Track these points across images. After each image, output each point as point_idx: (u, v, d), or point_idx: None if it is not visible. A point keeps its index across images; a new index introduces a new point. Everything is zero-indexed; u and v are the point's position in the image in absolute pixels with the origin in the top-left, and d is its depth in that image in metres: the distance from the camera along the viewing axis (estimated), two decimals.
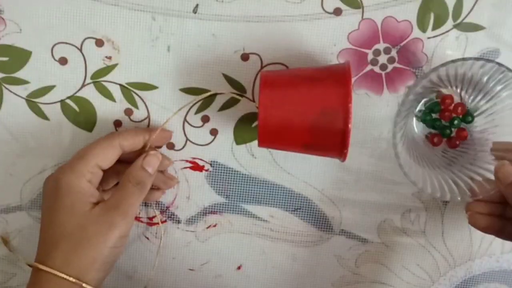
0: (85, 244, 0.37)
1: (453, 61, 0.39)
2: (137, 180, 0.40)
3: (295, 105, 0.38)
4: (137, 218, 0.49)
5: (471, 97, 0.45)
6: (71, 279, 0.36)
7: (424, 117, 0.46)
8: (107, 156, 0.40)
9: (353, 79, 0.46)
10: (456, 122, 0.45)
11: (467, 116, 0.45)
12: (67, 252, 0.37)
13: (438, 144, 0.46)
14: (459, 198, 0.42)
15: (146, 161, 0.41)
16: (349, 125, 0.36)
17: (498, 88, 0.42)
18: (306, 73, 0.39)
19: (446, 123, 0.46)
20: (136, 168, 0.41)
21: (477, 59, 0.40)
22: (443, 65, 0.39)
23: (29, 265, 0.38)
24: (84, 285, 0.37)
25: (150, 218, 0.49)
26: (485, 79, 0.42)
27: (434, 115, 0.46)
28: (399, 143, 0.41)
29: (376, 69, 0.45)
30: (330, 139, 0.38)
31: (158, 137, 0.43)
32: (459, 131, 0.46)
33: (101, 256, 0.37)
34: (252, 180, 0.48)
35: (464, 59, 0.39)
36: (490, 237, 0.49)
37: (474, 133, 0.46)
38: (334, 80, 0.38)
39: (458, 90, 0.45)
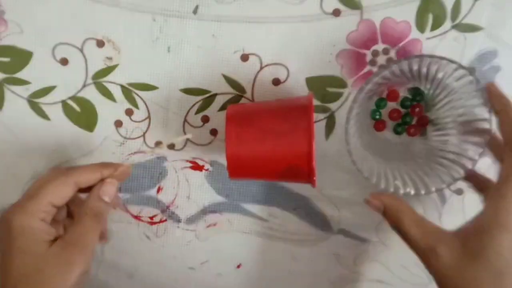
0: (41, 285, 0.34)
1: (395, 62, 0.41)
2: (95, 212, 0.38)
3: (261, 162, 0.40)
4: (138, 217, 0.49)
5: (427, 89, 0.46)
6: None
7: (374, 115, 0.46)
8: (61, 195, 0.38)
9: (352, 79, 0.46)
10: (408, 103, 0.46)
11: (415, 96, 0.46)
12: None
13: (382, 129, 0.47)
14: (406, 190, 0.42)
15: (103, 191, 0.39)
16: (314, 179, 0.39)
17: (440, 75, 0.43)
18: (271, 126, 0.40)
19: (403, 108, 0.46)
20: (93, 199, 0.39)
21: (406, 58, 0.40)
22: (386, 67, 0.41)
23: None
24: None
25: (151, 217, 0.49)
26: (424, 70, 0.43)
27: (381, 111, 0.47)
28: (351, 140, 0.42)
29: (375, 69, 0.45)
30: (299, 180, 0.41)
31: (118, 173, 0.41)
32: (420, 118, 0.46)
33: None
34: (252, 180, 0.48)
35: (399, 60, 0.41)
36: None
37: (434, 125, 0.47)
38: (297, 138, 0.38)
39: (418, 85, 0.46)
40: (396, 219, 0.37)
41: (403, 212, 0.37)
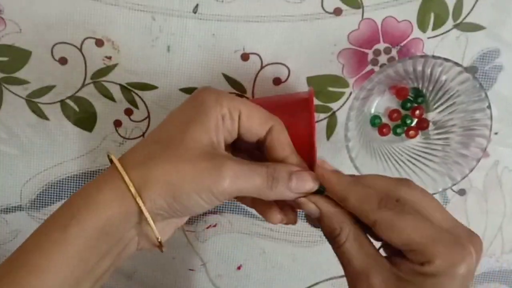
0: (172, 159, 0.30)
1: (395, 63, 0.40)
2: (275, 175, 0.31)
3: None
4: None
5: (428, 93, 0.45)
6: (127, 179, 0.29)
7: (373, 121, 0.46)
8: (255, 120, 0.33)
9: (353, 79, 0.46)
10: (408, 104, 0.45)
11: (417, 97, 0.45)
12: (148, 156, 0.30)
13: (387, 133, 0.46)
14: None
15: (300, 175, 0.32)
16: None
17: (442, 76, 0.42)
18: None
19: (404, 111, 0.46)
20: (284, 168, 0.32)
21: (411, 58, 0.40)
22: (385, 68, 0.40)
23: (111, 156, 0.31)
24: (138, 199, 0.29)
25: None
26: (428, 71, 0.42)
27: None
28: (351, 137, 0.42)
29: (377, 69, 0.45)
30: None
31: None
32: (420, 121, 0.46)
33: (178, 184, 0.29)
34: None
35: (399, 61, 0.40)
36: (490, 237, 0.49)
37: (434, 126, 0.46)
38: (299, 130, 0.37)
39: (420, 86, 0.46)
40: (333, 229, 0.32)
41: (344, 223, 0.31)
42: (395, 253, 0.30)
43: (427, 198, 0.31)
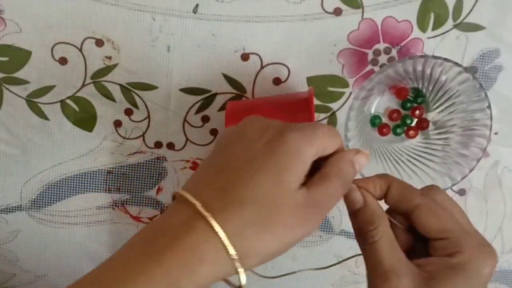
0: (271, 225, 0.29)
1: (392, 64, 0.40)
2: (345, 177, 0.31)
3: None
4: (137, 218, 0.49)
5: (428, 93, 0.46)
6: (233, 254, 0.28)
7: (373, 121, 0.46)
8: (332, 144, 0.32)
9: (353, 79, 0.46)
10: (408, 104, 0.45)
11: (417, 98, 0.46)
12: (247, 223, 0.28)
13: (387, 133, 0.46)
14: None
15: (357, 157, 0.32)
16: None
17: (441, 75, 0.42)
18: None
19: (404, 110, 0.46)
20: (346, 163, 0.31)
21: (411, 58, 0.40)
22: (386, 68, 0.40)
23: (194, 207, 0.29)
24: (239, 270, 0.28)
25: (151, 218, 0.49)
26: (428, 71, 0.42)
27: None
28: (351, 137, 0.42)
29: (377, 69, 0.45)
30: None
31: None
32: (419, 121, 0.46)
33: (276, 250, 0.29)
34: None
35: (398, 61, 0.41)
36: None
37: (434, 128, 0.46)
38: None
39: (420, 86, 0.46)
40: (371, 222, 0.32)
41: (382, 221, 0.32)
42: (418, 255, 0.31)
43: (454, 203, 0.33)
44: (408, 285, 0.30)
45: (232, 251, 0.28)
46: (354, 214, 0.33)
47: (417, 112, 0.46)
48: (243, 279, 0.29)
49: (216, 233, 0.28)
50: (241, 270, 0.29)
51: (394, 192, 0.32)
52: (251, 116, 0.32)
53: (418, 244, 0.32)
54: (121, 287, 0.27)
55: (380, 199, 0.33)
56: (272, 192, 0.29)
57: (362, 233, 0.32)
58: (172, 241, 0.28)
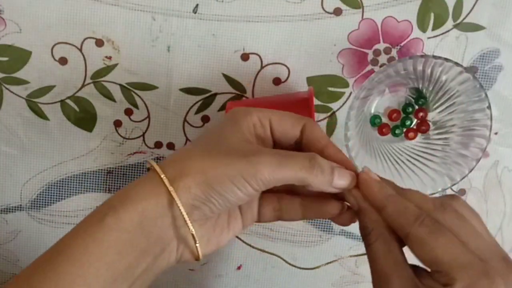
0: (207, 154, 0.30)
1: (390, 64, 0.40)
2: (318, 162, 0.31)
3: None
4: None
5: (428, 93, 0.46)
6: (158, 169, 0.30)
7: (373, 120, 0.46)
8: (285, 124, 0.33)
9: (353, 79, 0.46)
10: (410, 109, 0.45)
11: (418, 99, 0.45)
12: (184, 157, 0.31)
13: (387, 133, 0.46)
14: None
15: (339, 172, 0.32)
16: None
17: (442, 76, 0.42)
18: None
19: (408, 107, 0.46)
20: (326, 162, 0.32)
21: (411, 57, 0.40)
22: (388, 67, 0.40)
23: (150, 162, 0.31)
24: (169, 186, 0.29)
25: None
26: (429, 71, 0.42)
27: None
28: (351, 136, 0.42)
29: (377, 69, 0.45)
30: None
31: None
32: (420, 123, 0.46)
33: (212, 175, 0.29)
34: None
35: (399, 60, 0.40)
36: None
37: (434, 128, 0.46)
38: None
39: (420, 86, 0.46)
40: (365, 226, 0.32)
41: (377, 224, 0.32)
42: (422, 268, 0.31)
43: (474, 220, 0.31)
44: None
45: (157, 168, 0.30)
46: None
47: (420, 114, 0.46)
48: (173, 192, 0.29)
49: (157, 172, 0.30)
50: (171, 189, 0.29)
51: (388, 216, 0.31)
52: (233, 110, 0.34)
53: None
54: (75, 227, 0.30)
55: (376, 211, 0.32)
56: (215, 139, 0.32)
57: (361, 236, 0.32)
58: (121, 194, 0.31)
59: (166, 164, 0.31)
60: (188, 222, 0.30)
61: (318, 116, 0.46)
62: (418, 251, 0.29)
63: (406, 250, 0.31)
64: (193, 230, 0.30)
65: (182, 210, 0.29)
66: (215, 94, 0.46)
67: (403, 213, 0.31)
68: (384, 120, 0.46)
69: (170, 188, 0.29)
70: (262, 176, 0.29)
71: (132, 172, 0.48)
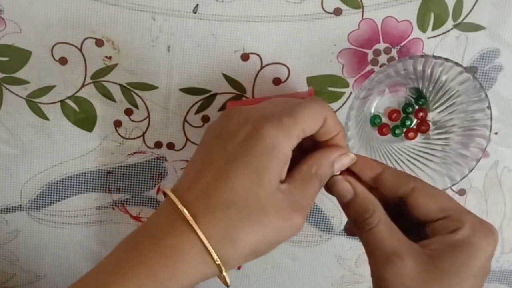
0: (256, 227, 0.28)
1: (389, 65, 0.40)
2: (322, 179, 0.31)
3: None
4: (137, 218, 0.49)
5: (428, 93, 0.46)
6: (216, 258, 0.28)
7: (373, 120, 0.46)
8: (314, 124, 0.30)
9: (353, 79, 0.46)
10: (410, 109, 0.45)
11: (418, 99, 0.45)
12: (230, 226, 0.28)
13: (387, 133, 0.46)
14: None
15: (339, 159, 0.32)
16: None
17: (442, 76, 0.42)
18: None
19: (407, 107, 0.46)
20: (326, 165, 0.31)
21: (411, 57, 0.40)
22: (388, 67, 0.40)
23: (178, 211, 0.28)
24: (224, 273, 0.29)
25: None
26: (429, 71, 0.42)
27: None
28: (351, 136, 0.42)
29: (377, 69, 0.45)
30: None
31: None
32: (420, 123, 0.46)
33: (261, 249, 0.29)
34: None
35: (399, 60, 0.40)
36: None
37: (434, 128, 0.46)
38: None
39: (420, 86, 0.46)
40: (365, 210, 0.31)
41: (376, 206, 0.32)
42: (419, 238, 0.32)
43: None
44: (412, 265, 0.30)
45: (215, 256, 0.28)
46: (347, 205, 0.33)
47: (420, 114, 0.46)
48: (228, 280, 0.29)
49: (199, 236, 0.28)
50: (225, 274, 0.29)
51: (389, 176, 0.32)
52: (231, 109, 0.31)
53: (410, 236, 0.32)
54: None
55: (371, 184, 0.33)
56: (252, 194, 0.28)
57: (358, 223, 0.32)
58: (157, 242, 0.28)
59: (212, 238, 0.28)
60: (228, 281, 0.30)
61: None
62: (428, 199, 0.31)
63: None
64: (230, 283, 0.31)
65: (228, 280, 0.30)
66: (215, 94, 0.46)
67: (403, 173, 0.33)
68: (384, 120, 0.46)
69: (227, 279, 0.29)
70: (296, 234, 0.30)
71: (132, 172, 0.48)
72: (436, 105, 0.45)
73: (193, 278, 0.29)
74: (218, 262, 0.28)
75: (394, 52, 0.45)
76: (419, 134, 0.46)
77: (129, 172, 0.48)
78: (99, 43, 0.45)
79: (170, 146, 0.47)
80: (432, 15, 0.44)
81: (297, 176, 0.31)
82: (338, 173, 0.33)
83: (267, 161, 0.28)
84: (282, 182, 0.30)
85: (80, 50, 0.45)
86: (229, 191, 0.28)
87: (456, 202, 0.32)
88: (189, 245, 0.28)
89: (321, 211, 0.49)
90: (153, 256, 0.28)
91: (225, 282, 0.30)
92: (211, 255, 0.28)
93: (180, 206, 0.28)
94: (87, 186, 0.48)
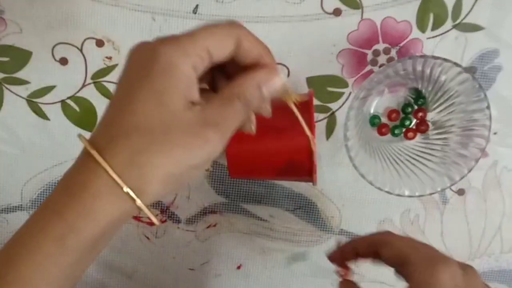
0: (163, 149, 0.27)
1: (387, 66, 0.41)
2: (247, 101, 0.30)
3: (262, 158, 0.40)
4: (137, 218, 0.49)
5: (427, 93, 0.46)
6: (121, 184, 0.27)
7: (373, 120, 0.46)
8: (222, 44, 0.29)
9: (353, 79, 0.46)
10: (409, 109, 0.46)
11: (417, 99, 0.46)
12: (135, 152, 0.27)
13: (386, 133, 0.46)
14: (400, 191, 0.43)
15: (266, 79, 0.30)
16: (315, 174, 0.39)
17: (442, 77, 0.43)
18: (272, 122, 0.39)
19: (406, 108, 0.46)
20: (251, 86, 0.30)
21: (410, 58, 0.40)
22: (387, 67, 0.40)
23: (86, 149, 0.28)
24: (138, 203, 0.27)
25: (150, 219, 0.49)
26: (428, 71, 0.42)
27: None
28: (350, 136, 0.42)
29: (376, 69, 0.45)
30: (300, 176, 0.41)
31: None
32: (419, 123, 0.46)
33: (176, 172, 0.28)
34: (252, 180, 0.48)
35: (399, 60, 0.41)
36: (489, 237, 0.49)
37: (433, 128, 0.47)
38: (298, 133, 0.37)
39: (420, 86, 0.46)
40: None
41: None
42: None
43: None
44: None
45: (121, 183, 0.27)
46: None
47: (420, 114, 0.46)
48: (154, 220, 0.29)
49: (104, 168, 0.27)
50: (145, 208, 0.27)
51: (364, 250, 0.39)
52: (136, 45, 0.30)
53: None
54: (21, 243, 0.27)
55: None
56: (155, 116, 0.27)
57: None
58: (65, 184, 0.28)
59: (118, 166, 0.27)
60: (154, 220, 0.29)
61: (317, 116, 0.46)
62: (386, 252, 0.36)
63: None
64: (157, 222, 0.30)
65: (150, 215, 0.29)
66: None
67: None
68: (384, 120, 0.47)
69: (139, 203, 0.27)
70: (215, 156, 0.29)
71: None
72: (435, 105, 0.45)
73: (109, 215, 0.27)
74: (126, 190, 0.27)
75: (393, 53, 0.45)
76: (419, 134, 0.46)
77: None
78: (100, 43, 0.45)
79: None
80: (431, 15, 0.44)
81: (217, 97, 0.29)
82: (266, 95, 0.30)
83: (165, 82, 0.27)
84: (195, 104, 0.29)
85: (81, 50, 0.45)
86: (131, 118, 0.27)
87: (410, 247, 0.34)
88: (95, 179, 0.27)
89: (321, 211, 0.49)
90: (60, 198, 0.27)
91: (151, 221, 0.28)
92: (120, 187, 0.27)
93: (84, 142, 0.28)
94: None
